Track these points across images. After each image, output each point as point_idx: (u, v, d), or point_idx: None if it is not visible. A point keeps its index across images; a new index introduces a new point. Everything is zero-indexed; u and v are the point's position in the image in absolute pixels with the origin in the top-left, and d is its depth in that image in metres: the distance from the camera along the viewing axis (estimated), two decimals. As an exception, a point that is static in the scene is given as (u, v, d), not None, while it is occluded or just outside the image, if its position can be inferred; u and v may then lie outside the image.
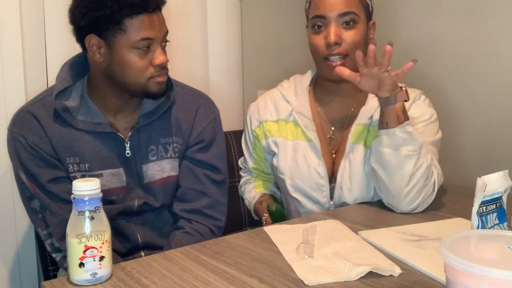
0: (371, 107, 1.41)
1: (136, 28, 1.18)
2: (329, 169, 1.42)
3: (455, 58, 1.95)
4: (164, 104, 1.33)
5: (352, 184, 1.38)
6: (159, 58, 1.22)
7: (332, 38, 1.32)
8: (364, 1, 1.37)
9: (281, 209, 1.46)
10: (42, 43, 1.60)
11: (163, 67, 1.24)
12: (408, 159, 1.24)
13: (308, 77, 1.51)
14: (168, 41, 1.27)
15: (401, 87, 1.27)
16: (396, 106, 1.25)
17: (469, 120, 1.91)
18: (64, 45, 1.53)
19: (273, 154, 1.49)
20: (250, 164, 1.58)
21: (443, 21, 1.98)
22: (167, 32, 1.26)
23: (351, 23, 1.34)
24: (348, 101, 1.45)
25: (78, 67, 1.29)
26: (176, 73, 1.74)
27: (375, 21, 1.43)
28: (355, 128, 1.40)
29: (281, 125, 1.47)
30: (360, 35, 1.35)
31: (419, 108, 1.40)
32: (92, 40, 1.20)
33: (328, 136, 1.45)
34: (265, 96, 1.54)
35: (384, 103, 1.26)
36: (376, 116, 1.37)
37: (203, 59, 1.97)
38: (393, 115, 1.26)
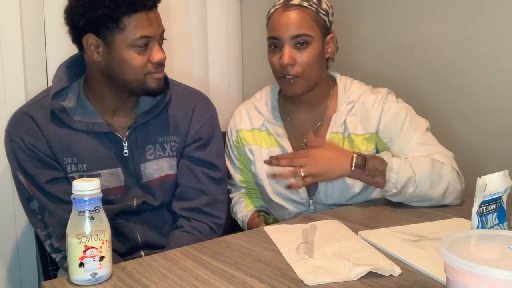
0: (341, 113, 1.44)
1: (134, 26, 1.18)
2: None
3: (450, 58, 1.95)
4: (160, 103, 1.34)
5: (333, 186, 1.42)
6: (157, 56, 1.22)
7: (286, 59, 1.35)
8: (319, 19, 1.38)
9: (278, 221, 1.45)
10: (42, 43, 1.60)
11: (161, 64, 1.25)
12: (416, 189, 1.29)
13: (277, 88, 1.54)
14: (165, 39, 1.28)
15: (352, 157, 1.30)
16: (364, 176, 1.30)
17: (470, 120, 1.91)
18: (64, 45, 1.52)
19: (251, 161, 1.52)
20: (237, 177, 1.58)
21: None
22: (163, 30, 1.26)
23: (304, 44, 1.36)
24: (317, 108, 1.48)
25: (74, 68, 1.29)
26: (176, 73, 1.75)
27: (333, 34, 1.44)
28: (330, 136, 1.44)
29: (255, 133, 1.52)
30: (313, 54, 1.37)
31: (392, 109, 1.42)
32: (90, 39, 1.20)
33: (302, 144, 1.47)
34: (240, 107, 1.58)
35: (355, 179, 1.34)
36: (349, 122, 1.43)
37: (203, 59, 1.97)
38: (371, 182, 1.32)
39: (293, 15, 1.36)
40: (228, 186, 1.61)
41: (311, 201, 1.46)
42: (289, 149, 1.45)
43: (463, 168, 1.39)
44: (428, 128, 1.42)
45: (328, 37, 1.42)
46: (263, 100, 1.54)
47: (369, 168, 1.28)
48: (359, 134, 1.42)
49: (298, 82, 1.38)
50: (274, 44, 1.39)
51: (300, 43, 1.36)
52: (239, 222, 1.57)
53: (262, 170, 1.49)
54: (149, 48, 1.22)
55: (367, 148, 1.41)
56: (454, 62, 1.91)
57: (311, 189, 1.45)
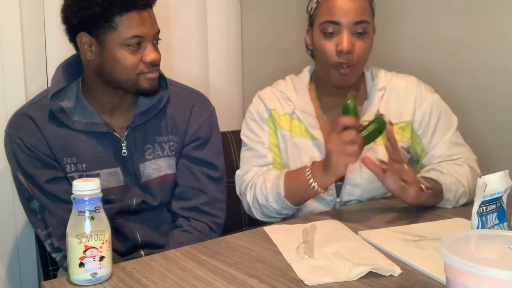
0: (375, 103, 1.38)
1: (126, 25, 1.18)
2: None
3: (456, 56, 1.95)
4: (159, 102, 1.34)
5: (363, 182, 1.36)
6: (150, 55, 1.22)
7: (346, 46, 1.26)
8: (372, 7, 1.33)
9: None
10: (42, 43, 1.60)
11: (154, 64, 1.25)
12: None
13: (306, 75, 1.46)
14: (160, 39, 1.28)
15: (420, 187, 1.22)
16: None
17: (470, 120, 1.91)
18: (64, 45, 1.52)
19: (282, 149, 1.42)
20: (270, 158, 1.40)
21: (446, 17, 1.97)
22: (158, 30, 1.26)
23: (363, 32, 1.29)
24: None
25: (72, 68, 1.30)
26: (176, 73, 1.75)
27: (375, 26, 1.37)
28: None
29: (287, 119, 1.41)
30: (369, 44, 1.32)
31: (427, 101, 1.38)
32: (84, 38, 1.21)
33: None
34: (266, 91, 1.46)
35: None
36: (382, 111, 1.34)
37: (203, 59, 1.97)
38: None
39: (355, 0, 1.28)
40: (238, 172, 1.43)
41: (337, 200, 1.38)
42: (321, 140, 1.37)
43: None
44: (457, 127, 1.41)
45: (374, 28, 1.36)
46: (291, 88, 1.44)
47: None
48: (394, 123, 1.36)
49: (351, 72, 1.30)
50: (330, 29, 1.28)
51: (359, 30, 1.28)
52: (269, 192, 1.31)
53: (288, 161, 1.39)
54: (141, 48, 1.22)
55: (402, 138, 1.37)
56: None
57: (338, 188, 1.38)
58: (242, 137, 1.46)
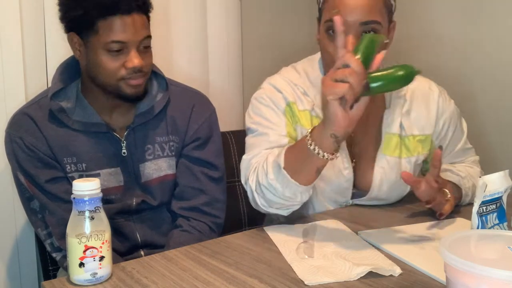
0: (396, 113, 1.30)
1: (107, 30, 1.18)
2: None
3: (456, 57, 1.95)
4: (159, 103, 1.34)
5: (385, 194, 1.32)
6: (132, 62, 1.20)
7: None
8: (388, 2, 1.18)
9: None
10: (42, 43, 1.60)
11: (137, 71, 1.22)
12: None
13: (317, 67, 1.31)
14: (148, 46, 1.25)
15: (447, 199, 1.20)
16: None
17: (469, 119, 1.91)
18: (64, 45, 1.52)
19: None
20: (286, 140, 1.24)
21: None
22: (146, 36, 1.23)
23: (371, 32, 1.13)
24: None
25: (72, 68, 1.30)
26: (176, 73, 1.75)
27: (395, 21, 1.23)
28: (386, 138, 1.29)
29: (307, 115, 1.28)
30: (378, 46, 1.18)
31: (447, 111, 1.34)
32: (74, 38, 1.23)
33: (353, 145, 1.31)
34: (278, 80, 1.30)
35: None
36: (405, 122, 1.29)
37: (203, 59, 1.97)
38: None
39: None
40: (245, 157, 1.25)
41: (350, 202, 1.33)
42: (344, 144, 1.25)
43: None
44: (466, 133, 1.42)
45: (391, 24, 1.21)
46: (306, 80, 1.30)
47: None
48: (415, 134, 1.31)
49: None
50: (333, 29, 1.08)
51: (367, 31, 1.12)
52: (269, 168, 1.13)
53: None
54: (124, 53, 1.20)
55: (422, 151, 1.32)
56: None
57: (356, 195, 1.33)
58: (250, 124, 1.29)
